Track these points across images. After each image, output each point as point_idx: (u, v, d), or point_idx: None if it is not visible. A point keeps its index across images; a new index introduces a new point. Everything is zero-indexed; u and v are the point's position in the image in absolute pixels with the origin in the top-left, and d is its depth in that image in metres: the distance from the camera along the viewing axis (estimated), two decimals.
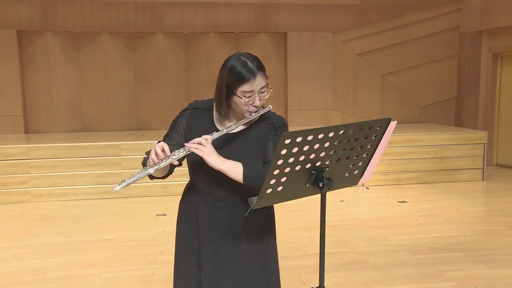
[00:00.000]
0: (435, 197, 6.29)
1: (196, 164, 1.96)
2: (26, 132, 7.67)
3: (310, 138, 1.66)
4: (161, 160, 1.84)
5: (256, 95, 1.90)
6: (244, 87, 1.88)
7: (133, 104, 7.99)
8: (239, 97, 1.89)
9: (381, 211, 5.67)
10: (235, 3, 7.95)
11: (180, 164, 2.04)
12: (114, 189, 1.83)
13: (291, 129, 1.78)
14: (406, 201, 6.08)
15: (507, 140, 8.16)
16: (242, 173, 1.86)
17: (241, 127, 1.99)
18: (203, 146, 1.84)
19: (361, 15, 8.28)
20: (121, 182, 1.82)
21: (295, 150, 1.66)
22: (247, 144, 1.97)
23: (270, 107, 1.98)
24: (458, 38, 8.53)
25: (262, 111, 1.96)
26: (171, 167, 2.01)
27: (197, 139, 1.87)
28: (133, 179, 1.83)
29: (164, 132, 2.12)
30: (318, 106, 8.32)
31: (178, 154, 1.86)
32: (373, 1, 8.25)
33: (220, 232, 2.00)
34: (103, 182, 6.29)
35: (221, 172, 1.89)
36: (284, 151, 1.64)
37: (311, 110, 8.25)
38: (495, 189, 6.75)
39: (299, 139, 1.64)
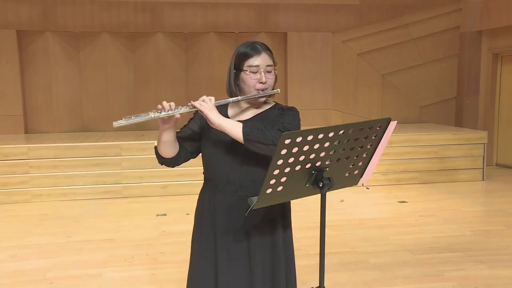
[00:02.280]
0: (435, 197, 6.29)
1: (207, 144, 2.05)
2: (26, 132, 7.67)
3: (310, 138, 1.67)
4: (165, 109, 1.92)
5: (262, 71, 1.99)
6: (250, 61, 1.99)
7: (133, 104, 7.99)
8: (246, 71, 1.98)
9: (381, 211, 5.67)
10: (235, 3, 7.95)
11: (194, 156, 2.13)
12: (114, 124, 1.93)
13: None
14: (406, 201, 6.08)
15: (507, 140, 8.16)
16: (241, 130, 1.89)
17: (250, 115, 2.06)
18: (205, 103, 1.92)
19: (361, 15, 8.27)
20: (122, 118, 1.90)
21: (295, 150, 1.66)
22: None
23: (278, 90, 2.05)
24: (458, 38, 8.53)
25: (270, 92, 2.03)
26: (178, 158, 2.08)
27: (201, 98, 1.96)
28: (134, 118, 1.91)
29: None
30: (318, 106, 8.32)
31: (181, 109, 1.93)
32: (373, 1, 8.25)
33: (233, 219, 2.02)
34: (103, 182, 6.29)
35: (229, 155, 1.96)
36: (284, 151, 1.64)
37: (311, 110, 8.24)
38: (495, 189, 6.75)
39: (299, 139, 1.64)
